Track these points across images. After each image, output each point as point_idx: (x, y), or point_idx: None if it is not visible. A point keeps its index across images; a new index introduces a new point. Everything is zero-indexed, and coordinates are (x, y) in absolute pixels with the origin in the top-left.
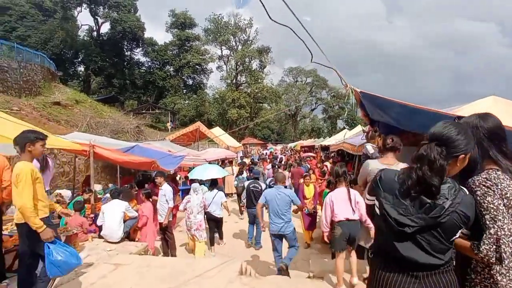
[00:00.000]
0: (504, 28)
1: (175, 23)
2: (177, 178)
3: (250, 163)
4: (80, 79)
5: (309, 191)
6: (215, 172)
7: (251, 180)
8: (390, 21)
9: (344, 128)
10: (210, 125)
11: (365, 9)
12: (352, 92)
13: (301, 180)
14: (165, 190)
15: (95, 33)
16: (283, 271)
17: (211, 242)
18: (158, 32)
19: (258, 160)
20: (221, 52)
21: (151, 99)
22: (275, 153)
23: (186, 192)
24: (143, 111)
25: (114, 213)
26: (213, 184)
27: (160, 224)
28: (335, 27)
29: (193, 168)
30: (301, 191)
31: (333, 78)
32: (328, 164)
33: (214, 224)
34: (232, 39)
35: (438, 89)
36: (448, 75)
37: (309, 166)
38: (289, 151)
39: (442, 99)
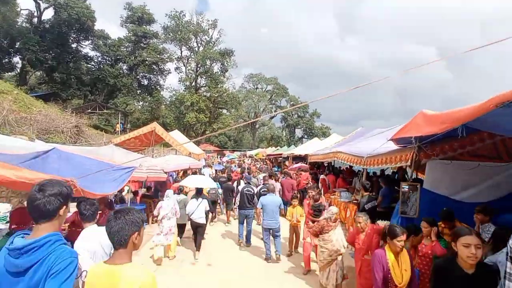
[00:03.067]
0: (442, 52)
1: (131, 17)
2: (124, 193)
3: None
4: (17, 71)
5: (403, 267)
6: (202, 182)
7: (245, 184)
8: (344, 40)
9: (303, 137)
10: (165, 129)
11: (322, 27)
12: None
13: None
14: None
15: (35, 20)
16: (277, 260)
17: (198, 247)
18: (110, 26)
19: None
20: (181, 53)
21: (100, 98)
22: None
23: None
24: (89, 110)
25: None
26: (198, 192)
27: None
28: (296, 41)
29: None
30: (377, 270)
31: (292, 87)
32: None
33: (198, 229)
34: (194, 39)
35: (384, 106)
36: (393, 93)
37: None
38: (249, 159)
39: (386, 115)
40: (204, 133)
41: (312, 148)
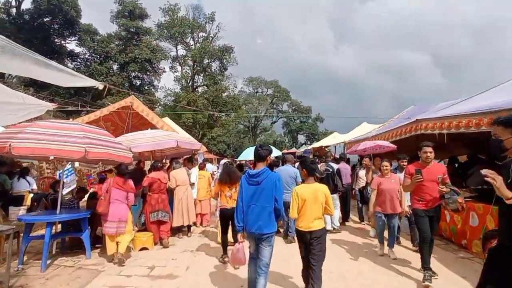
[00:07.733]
0: (437, 60)
1: (122, 12)
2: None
3: None
4: None
5: None
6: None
7: (323, 163)
8: (339, 49)
9: (306, 142)
10: None
11: (317, 36)
12: None
13: None
14: None
15: (13, 10)
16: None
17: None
18: (99, 23)
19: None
20: (176, 52)
21: (88, 98)
22: None
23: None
24: (70, 108)
25: None
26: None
27: None
28: (291, 51)
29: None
30: None
31: (294, 91)
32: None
33: None
34: (190, 35)
35: (380, 112)
36: (389, 100)
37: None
38: None
39: (384, 121)
40: (203, 137)
41: (335, 140)
